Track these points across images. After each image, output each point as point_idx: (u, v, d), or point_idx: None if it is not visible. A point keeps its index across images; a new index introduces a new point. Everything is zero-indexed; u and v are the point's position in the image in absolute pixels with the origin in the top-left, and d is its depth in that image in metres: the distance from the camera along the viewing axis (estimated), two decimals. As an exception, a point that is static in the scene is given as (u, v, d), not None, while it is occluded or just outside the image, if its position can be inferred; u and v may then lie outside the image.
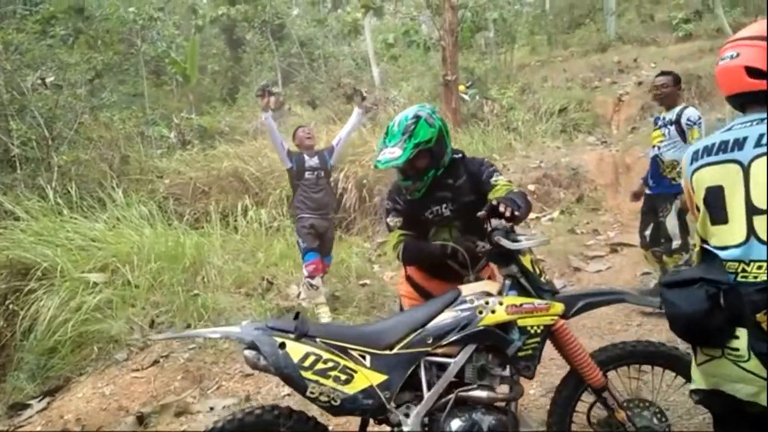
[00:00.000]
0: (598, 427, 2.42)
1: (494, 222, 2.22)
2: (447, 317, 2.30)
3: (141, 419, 3.97)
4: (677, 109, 4.58)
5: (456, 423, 2.23)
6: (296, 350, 2.16)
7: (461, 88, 11.75)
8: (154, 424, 3.94)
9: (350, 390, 2.16)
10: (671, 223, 4.59)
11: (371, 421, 2.38)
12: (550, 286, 2.38)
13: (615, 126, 11.74)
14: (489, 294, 2.33)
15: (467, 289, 2.38)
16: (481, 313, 2.27)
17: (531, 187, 8.57)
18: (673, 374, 2.46)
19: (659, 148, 4.64)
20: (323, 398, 2.14)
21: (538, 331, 2.28)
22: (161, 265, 5.90)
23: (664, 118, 4.66)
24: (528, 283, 2.33)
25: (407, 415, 2.25)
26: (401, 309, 2.95)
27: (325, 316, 5.25)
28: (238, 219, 7.88)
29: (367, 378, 2.19)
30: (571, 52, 17.38)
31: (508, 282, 2.35)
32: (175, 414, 4.05)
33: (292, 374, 2.13)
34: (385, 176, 8.73)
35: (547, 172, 8.83)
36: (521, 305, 2.28)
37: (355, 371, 2.19)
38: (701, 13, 17.88)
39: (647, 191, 4.83)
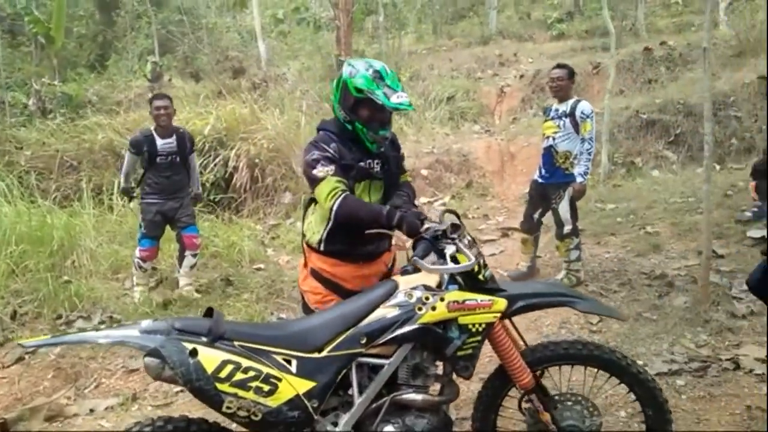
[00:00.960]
0: (529, 417, 2.36)
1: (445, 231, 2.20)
2: (383, 314, 2.10)
3: (4, 427, 3.41)
4: (571, 101, 4.76)
5: (389, 429, 2.09)
6: (210, 358, 1.89)
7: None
8: None
9: (274, 402, 1.93)
10: (564, 209, 4.79)
11: None
12: (492, 283, 2.23)
13: (498, 116, 12.23)
14: (429, 288, 2.13)
15: (404, 282, 2.17)
16: (420, 309, 2.09)
17: (424, 172, 8.67)
18: (607, 375, 2.35)
19: (554, 139, 4.79)
20: (242, 413, 1.90)
21: (480, 329, 2.13)
22: (24, 248, 5.21)
23: (557, 110, 4.82)
24: (467, 281, 2.17)
25: (335, 424, 2.07)
26: (305, 307, 2.69)
27: (138, 295, 5.04)
28: (114, 197, 7.14)
29: (292, 387, 1.96)
30: (455, 42, 17.88)
31: (446, 276, 2.17)
32: (46, 418, 3.55)
33: (206, 388, 1.86)
34: (278, 156, 8.37)
35: (439, 158, 8.99)
36: (464, 302, 2.12)
37: (280, 380, 1.95)
38: (573, 14, 19.21)
39: (539, 180, 4.97)
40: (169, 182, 5.14)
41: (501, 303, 2.17)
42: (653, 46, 12.04)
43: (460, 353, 2.12)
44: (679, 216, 5.94)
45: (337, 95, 2.51)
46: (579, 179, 4.64)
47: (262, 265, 5.97)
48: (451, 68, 14.44)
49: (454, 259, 2.13)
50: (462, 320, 2.11)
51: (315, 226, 2.60)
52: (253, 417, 1.91)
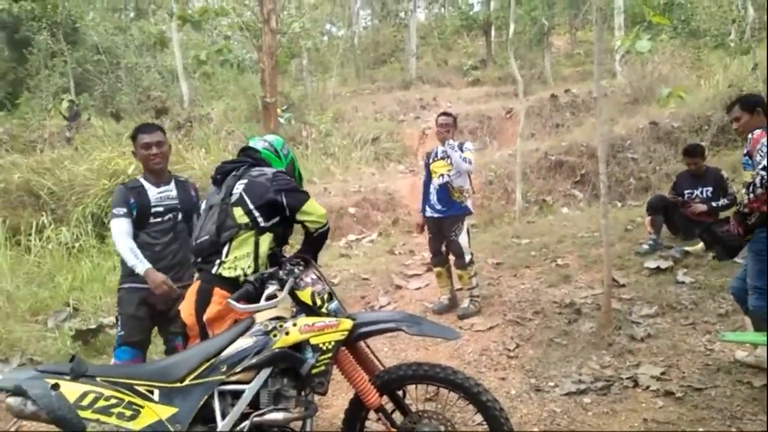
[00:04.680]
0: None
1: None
2: (241, 344, 2.31)
3: None
4: (456, 143, 5.20)
5: None
6: (72, 390, 2.04)
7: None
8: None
9: (136, 426, 2.09)
10: (463, 239, 5.17)
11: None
12: (335, 314, 2.48)
13: (421, 156, 12.76)
14: (282, 318, 2.38)
15: (261, 316, 2.40)
16: (275, 336, 2.31)
17: (352, 210, 8.91)
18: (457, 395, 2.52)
19: (448, 176, 5.18)
20: None
21: (330, 347, 2.36)
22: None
23: (444, 151, 5.21)
24: (311, 314, 2.43)
25: None
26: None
27: None
28: (32, 238, 6.88)
29: (155, 412, 2.13)
30: (377, 86, 18.58)
31: (297, 307, 2.46)
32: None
33: (68, 416, 1.99)
34: (205, 196, 8.35)
35: (366, 196, 9.27)
36: (314, 324, 2.36)
37: (142, 407, 2.12)
38: (486, 61, 20.47)
39: (434, 215, 5.29)
40: (167, 253, 3.43)
41: (346, 323, 2.42)
42: (559, 93, 13.06)
43: (314, 371, 2.34)
44: (586, 249, 6.46)
45: (285, 162, 3.00)
46: (466, 166, 5.06)
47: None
48: (375, 110, 14.98)
49: (293, 295, 2.43)
50: (314, 341, 2.35)
51: (241, 262, 2.69)
52: None
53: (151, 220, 3.41)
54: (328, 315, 2.46)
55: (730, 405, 3.33)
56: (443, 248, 5.34)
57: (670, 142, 9.87)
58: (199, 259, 2.79)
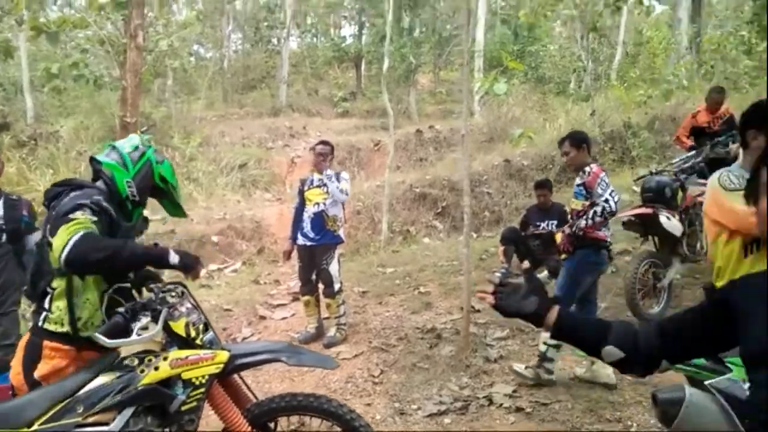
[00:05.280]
0: None
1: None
2: (101, 381, 2.12)
3: None
4: (333, 172, 5.30)
5: None
6: None
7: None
8: None
9: None
10: (334, 268, 5.24)
11: None
12: (210, 346, 2.36)
13: (289, 185, 12.71)
14: (152, 351, 2.23)
15: (127, 350, 2.21)
16: (142, 372, 2.15)
17: (215, 239, 8.61)
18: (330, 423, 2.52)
19: (324, 204, 5.22)
20: None
21: (203, 381, 2.23)
22: None
23: (320, 180, 5.26)
24: (184, 346, 2.27)
25: None
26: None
27: None
28: None
29: None
30: (246, 111, 18.30)
31: (169, 339, 2.28)
32: None
33: None
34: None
35: (231, 224, 9.02)
36: (186, 357, 2.22)
37: None
38: (356, 94, 21.05)
39: (306, 243, 5.27)
40: None
41: (222, 355, 2.31)
42: (424, 129, 13.78)
43: (184, 407, 2.20)
44: (446, 277, 6.81)
45: (133, 171, 2.46)
46: (343, 196, 5.18)
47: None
48: (243, 136, 14.72)
49: (166, 326, 2.24)
50: (186, 375, 2.21)
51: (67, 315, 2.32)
52: None
53: None
54: (202, 347, 2.31)
55: (571, 417, 3.68)
56: (313, 276, 5.34)
57: (520, 178, 10.79)
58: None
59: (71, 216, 2.15)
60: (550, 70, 18.72)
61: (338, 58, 22.95)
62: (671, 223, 5.10)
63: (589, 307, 4.28)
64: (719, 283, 2.37)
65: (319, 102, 20.07)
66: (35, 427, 1.98)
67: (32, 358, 2.28)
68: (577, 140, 4.12)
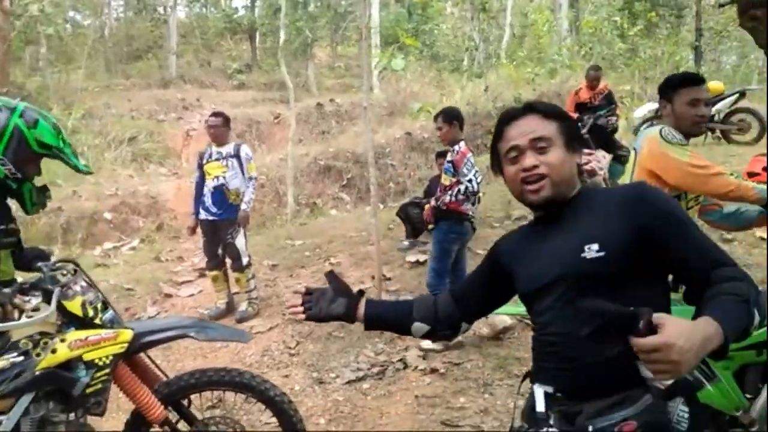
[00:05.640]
0: None
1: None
2: None
3: None
4: (231, 144, 5.17)
5: None
6: None
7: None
8: None
9: None
10: (240, 242, 5.13)
11: None
12: (111, 325, 2.25)
13: (185, 159, 12.15)
14: (47, 334, 2.08)
15: (18, 333, 2.06)
16: (38, 356, 2.02)
17: (108, 216, 8.08)
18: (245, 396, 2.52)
19: (224, 178, 5.07)
20: None
21: (107, 362, 2.13)
22: None
23: (220, 152, 5.11)
24: (83, 326, 2.16)
25: None
26: None
27: None
28: None
29: None
30: (132, 82, 17.17)
31: (65, 320, 2.15)
32: None
33: None
34: None
35: (124, 200, 8.49)
36: (86, 338, 2.10)
37: None
38: (251, 66, 20.35)
39: (209, 218, 5.13)
40: None
41: (126, 334, 2.22)
42: (324, 102, 13.65)
43: (89, 390, 2.10)
44: (355, 248, 6.87)
45: (1, 146, 2.13)
46: (244, 206, 5.06)
47: None
48: (131, 108, 13.84)
49: (60, 306, 2.11)
50: (88, 356, 2.10)
51: None
52: None
53: None
54: (102, 326, 2.18)
55: (482, 374, 3.89)
56: (219, 251, 5.18)
57: (422, 150, 11.05)
58: None
59: None
60: (444, 48, 19.17)
61: (230, 29, 21.98)
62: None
63: (462, 277, 4.45)
64: None
65: (213, 74, 19.22)
66: None
67: None
68: (449, 116, 4.31)
